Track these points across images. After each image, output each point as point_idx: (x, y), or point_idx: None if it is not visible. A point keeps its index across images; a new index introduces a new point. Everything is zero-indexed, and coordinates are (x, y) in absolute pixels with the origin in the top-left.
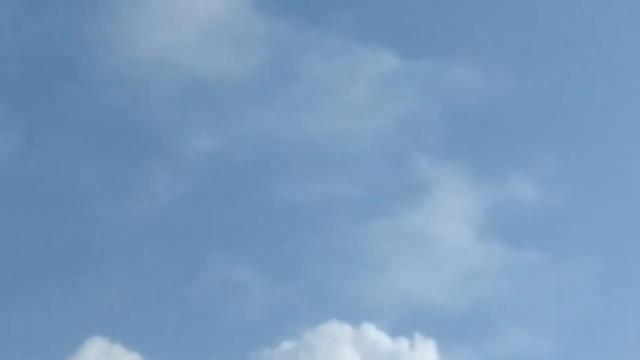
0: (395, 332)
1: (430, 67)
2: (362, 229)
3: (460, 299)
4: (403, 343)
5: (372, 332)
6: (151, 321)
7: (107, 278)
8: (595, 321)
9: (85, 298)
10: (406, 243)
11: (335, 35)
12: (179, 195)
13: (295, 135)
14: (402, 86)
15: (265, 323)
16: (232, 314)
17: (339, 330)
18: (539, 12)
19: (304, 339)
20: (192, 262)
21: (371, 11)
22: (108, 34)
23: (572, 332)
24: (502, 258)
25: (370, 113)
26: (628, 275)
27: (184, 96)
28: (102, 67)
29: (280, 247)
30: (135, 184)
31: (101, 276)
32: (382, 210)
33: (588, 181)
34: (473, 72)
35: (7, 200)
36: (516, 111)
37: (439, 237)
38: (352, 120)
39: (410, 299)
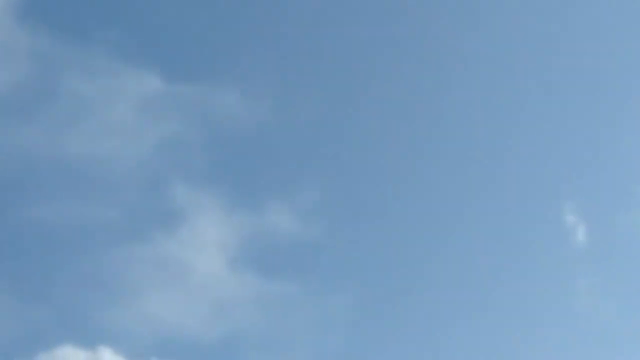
0: (136, 358)
1: (193, 91)
2: (116, 254)
3: (211, 328)
4: None
5: (109, 357)
6: None
7: None
8: (347, 355)
9: None
10: (160, 270)
11: (99, 54)
12: None
13: (54, 155)
14: (165, 109)
15: (5, 344)
16: None
17: (73, 355)
18: (307, 39)
19: None
20: None
21: (137, 32)
22: None
23: None
24: (256, 289)
25: (131, 136)
26: (381, 310)
27: None
28: None
29: (31, 268)
30: None
31: None
32: (138, 236)
33: (345, 216)
34: (237, 99)
35: None
36: (279, 141)
37: (193, 265)
38: (113, 142)
39: (159, 326)
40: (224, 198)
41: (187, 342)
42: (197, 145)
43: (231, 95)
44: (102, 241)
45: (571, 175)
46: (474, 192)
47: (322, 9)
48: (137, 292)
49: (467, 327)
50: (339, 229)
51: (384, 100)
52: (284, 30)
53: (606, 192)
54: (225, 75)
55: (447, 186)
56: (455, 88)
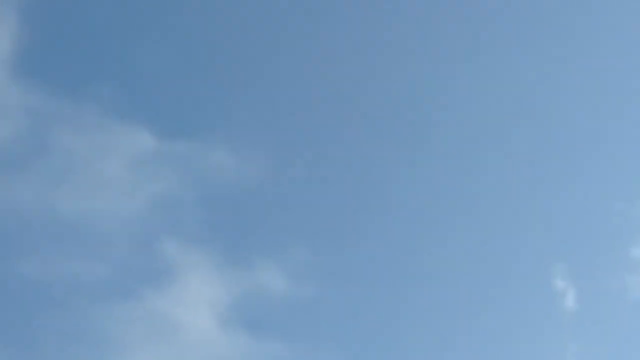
0: None
1: (186, 148)
2: (106, 311)
3: None
4: None
5: None
6: None
7: None
8: None
9: None
10: (149, 328)
11: (92, 110)
12: None
13: (44, 211)
14: (157, 167)
15: None
16: None
17: None
18: (301, 97)
19: None
20: None
21: (130, 88)
22: None
23: None
24: (246, 349)
25: (123, 192)
26: None
27: None
28: None
29: (19, 325)
30: None
31: None
32: (127, 293)
33: (337, 275)
34: (230, 157)
35: None
36: (271, 200)
37: (183, 323)
38: (104, 199)
39: None
40: (215, 256)
41: None
42: (189, 203)
43: (224, 153)
44: (92, 298)
45: (561, 238)
46: (462, 254)
47: (315, 67)
48: (126, 350)
49: None
50: (330, 288)
51: (377, 160)
52: (278, 89)
53: (597, 255)
54: (219, 132)
55: (437, 247)
56: (439, 149)
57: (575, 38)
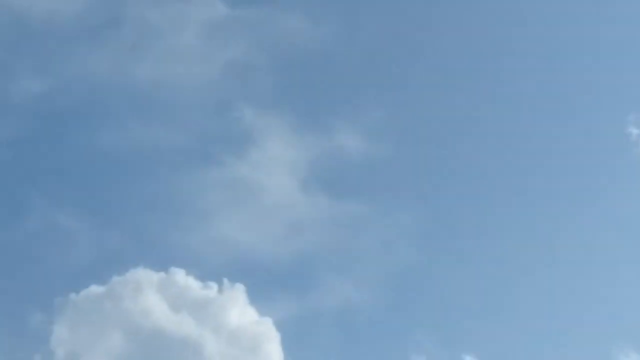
0: (208, 279)
1: (259, 14)
2: (187, 178)
3: (283, 249)
4: (212, 288)
5: (182, 279)
6: None
7: None
8: (417, 273)
9: None
10: (231, 193)
11: None
12: (3, 137)
13: (122, 80)
14: (230, 33)
15: (82, 268)
16: (52, 259)
17: (147, 277)
18: None
19: (111, 284)
20: (16, 206)
21: None
22: None
23: (394, 284)
24: (326, 210)
25: (198, 60)
26: (449, 229)
27: (9, 35)
28: None
29: (105, 193)
30: None
31: None
32: (207, 159)
33: (411, 134)
34: (302, 21)
35: None
36: (344, 62)
37: (263, 187)
38: (180, 67)
39: (230, 248)
40: (291, 120)
41: (258, 263)
42: (263, 68)
43: (296, 18)
44: (172, 165)
45: (635, 87)
46: (536, 101)
47: None
48: (209, 214)
49: (525, 234)
50: (405, 147)
51: (450, 17)
52: None
53: None
54: None
55: (512, 107)
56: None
57: None
